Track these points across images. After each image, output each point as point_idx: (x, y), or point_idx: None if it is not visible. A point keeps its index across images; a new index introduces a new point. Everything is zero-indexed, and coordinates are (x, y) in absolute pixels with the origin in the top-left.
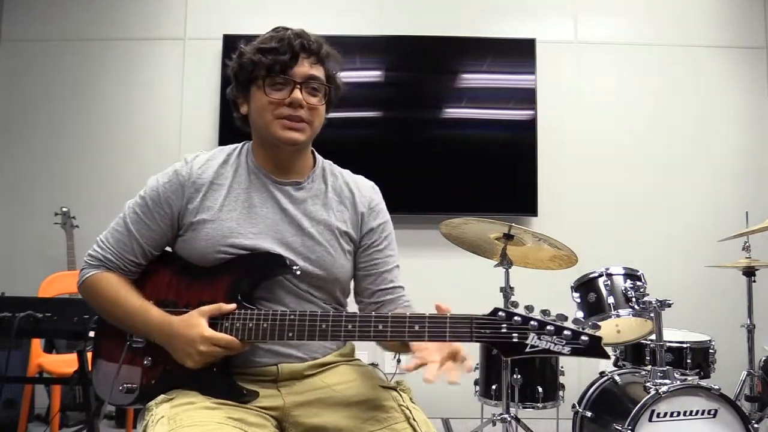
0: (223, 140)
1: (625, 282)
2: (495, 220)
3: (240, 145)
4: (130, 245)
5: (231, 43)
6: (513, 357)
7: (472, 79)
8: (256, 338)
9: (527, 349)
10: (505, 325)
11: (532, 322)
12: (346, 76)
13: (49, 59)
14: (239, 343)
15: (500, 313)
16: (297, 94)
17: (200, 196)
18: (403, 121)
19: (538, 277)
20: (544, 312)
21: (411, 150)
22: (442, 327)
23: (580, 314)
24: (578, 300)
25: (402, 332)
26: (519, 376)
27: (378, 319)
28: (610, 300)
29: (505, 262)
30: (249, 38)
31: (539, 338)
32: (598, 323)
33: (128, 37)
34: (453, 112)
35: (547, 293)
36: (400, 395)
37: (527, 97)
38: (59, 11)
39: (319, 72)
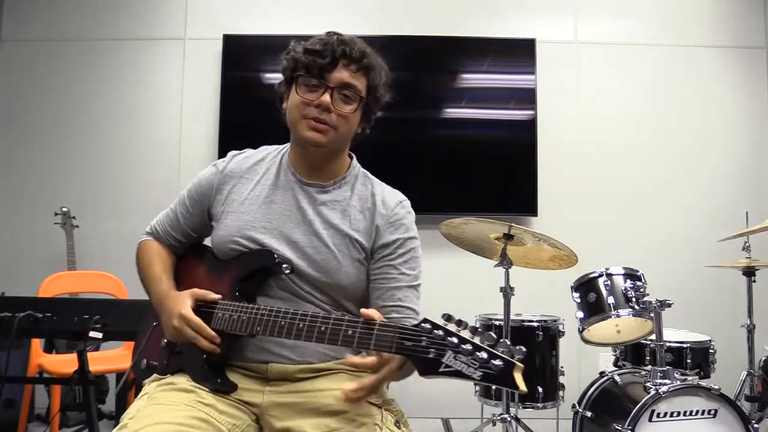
0: (223, 140)
1: (625, 282)
2: (495, 220)
3: (280, 147)
4: (173, 222)
5: (231, 43)
6: (428, 377)
7: (472, 79)
8: (233, 329)
9: (441, 369)
10: (425, 339)
11: (450, 338)
12: None
13: (49, 59)
14: (210, 332)
15: (424, 324)
16: (326, 97)
17: (228, 189)
18: (403, 121)
19: (538, 277)
20: (460, 324)
21: (411, 150)
22: (369, 334)
23: (580, 314)
24: (578, 300)
25: (338, 336)
26: None
27: (323, 320)
28: (610, 300)
29: (505, 262)
30: (249, 38)
31: (455, 357)
32: (524, 349)
33: (128, 37)
34: (453, 112)
35: (547, 293)
36: (382, 414)
37: (527, 97)
38: (59, 11)
39: (357, 81)
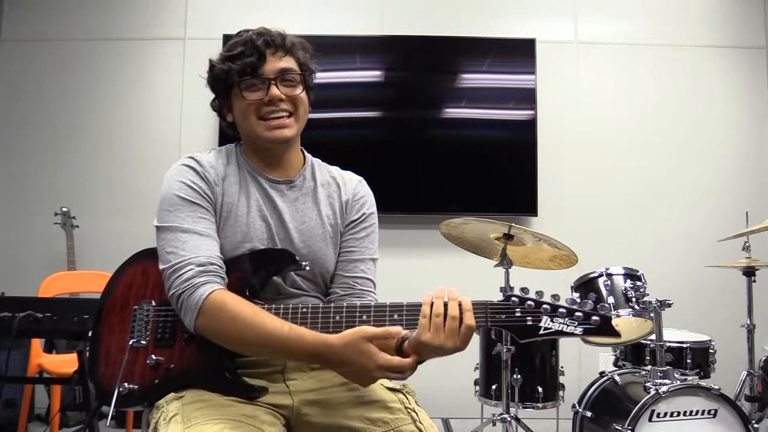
0: (223, 140)
1: (625, 282)
2: (495, 220)
3: (231, 147)
4: (211, 243)
5: None
6: (527, 340)
7: (472, 79)
8: None
9: (541, 332)
10: (518, 310)
11: (544, 306)
12: (346, 76)
13: (49, 59)
14: (410, 362)
15: (513, 299)
16: (274, 90)
17: (221, 194)
18: (403, 121)
19: (538, 277)
20: (539, 294)
21: (411, 150)
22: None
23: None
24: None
25: (413, 321)
26: (519, 376)
27: (393, 308)
28: (610, 300)
29: (505, 262)
30: None
31: (552, 321)
32: (607, 305)
33: (128, 37)
34: (453, 112)
35: (547, 293)
36: (407, 398)
37: (527, 97)
38: (59, 11)
39: (289, 63)
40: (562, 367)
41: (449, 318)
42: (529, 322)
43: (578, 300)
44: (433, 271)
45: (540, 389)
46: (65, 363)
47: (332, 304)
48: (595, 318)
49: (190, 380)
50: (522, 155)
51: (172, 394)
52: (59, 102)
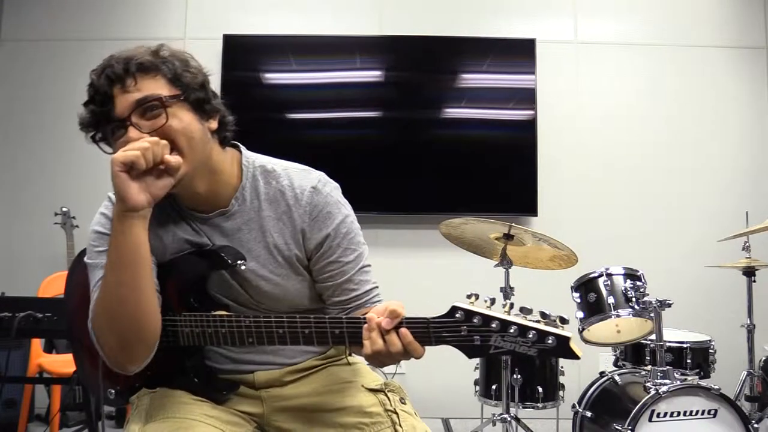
0: None
1: (625, 282)
2: (495, 220)
3: None
4: None
5: (231, 43)
6: (478, 357)
7: (472, 79)
8: (217, 344)
9: (491, 351)
10: (465, 327)
11: (493, 324)
12: (346, 76)
13: (49, 59)
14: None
15: (458, 314)
16: (131, 132)
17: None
18: (403, 121)
19: (538, 277)
20: (490, 301)
21: (411, 150)
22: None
23: (580, 314)
24: (578, 300)
25: (359, 335)
26: (519, 376)
27: (333, 323)
28: (610, 300)
29: (505, 262)
30: (249, 38)
31: (503, 339)
32: (566, 317)
33: (128, 37)
34: (453, 112)
35: (547, 293)
36: (388, 398)
37: (527, 97)
38: (59, 11)
39: (148, 87)
40: (562, 367)
41: (394, 352)
42: (477, 342)
43: (530, 309)
44: (433, 271)
45: (540, 389)
46: (65, 363)
47: (273, 317)
48: (550, 340)
49: (166, 380)
50: (522, 155)
51: (144, 389)
52: (59, 102)
